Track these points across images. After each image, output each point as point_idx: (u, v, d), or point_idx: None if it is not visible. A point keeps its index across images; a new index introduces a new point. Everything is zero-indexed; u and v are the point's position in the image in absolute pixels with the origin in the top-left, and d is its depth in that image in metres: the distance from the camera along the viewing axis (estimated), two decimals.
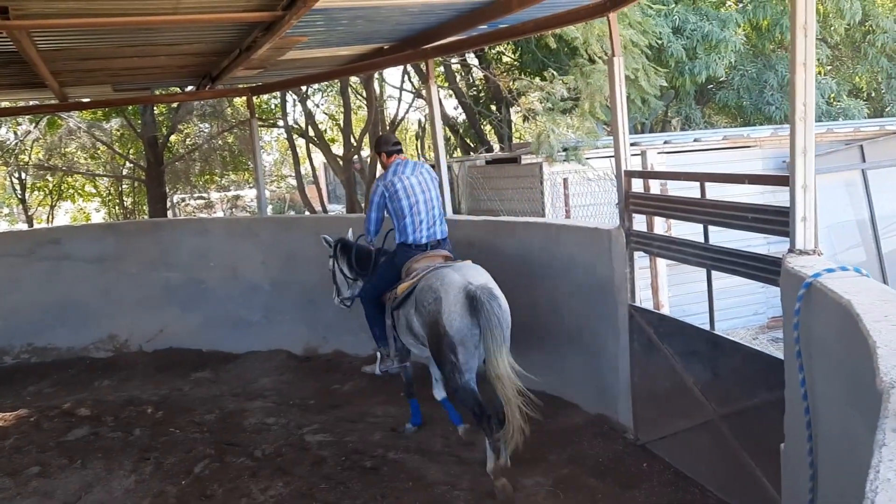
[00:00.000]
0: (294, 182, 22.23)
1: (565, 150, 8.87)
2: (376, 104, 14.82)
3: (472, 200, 10.00)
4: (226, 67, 6.65)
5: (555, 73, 9.28)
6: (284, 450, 5.08)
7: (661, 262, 5.47)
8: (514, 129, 15.58)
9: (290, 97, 15.87)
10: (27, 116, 13.91)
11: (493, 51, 14.36)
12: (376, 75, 14.65)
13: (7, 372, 7.76)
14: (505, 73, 14.34)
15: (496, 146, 14.49)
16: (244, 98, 9.28)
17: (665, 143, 10.02)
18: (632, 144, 4.94)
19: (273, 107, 16.59)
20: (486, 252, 6.10)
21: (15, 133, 15.75)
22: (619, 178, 4.83)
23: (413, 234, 4.93)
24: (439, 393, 5.15)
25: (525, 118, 12.76)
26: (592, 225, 5.65)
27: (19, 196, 17.66)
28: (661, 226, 5.42)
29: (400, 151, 5.13)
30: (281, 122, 16.77)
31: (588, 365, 5.26)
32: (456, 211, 7.40)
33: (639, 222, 4.94)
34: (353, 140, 15.77)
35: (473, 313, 4.25)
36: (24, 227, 17.00)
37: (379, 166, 5.79)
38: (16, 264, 7.97)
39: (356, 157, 15.62)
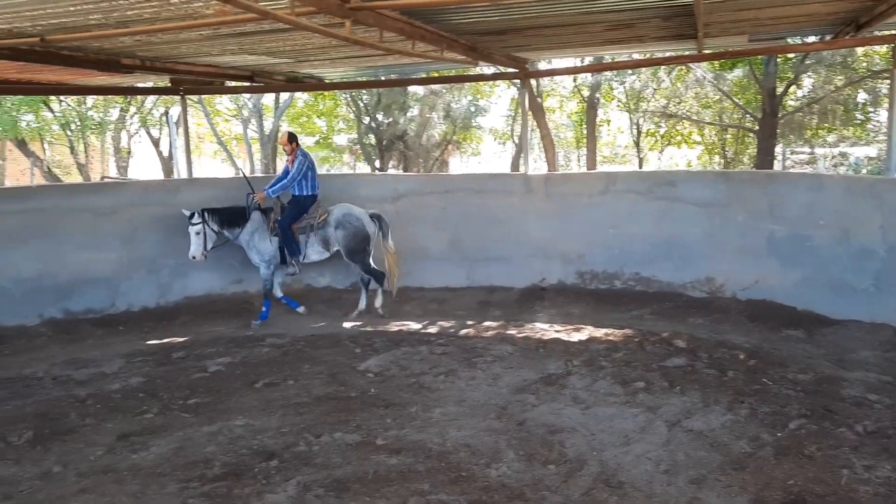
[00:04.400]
0: None
1: None
2: None
3: None
4: (881, 13, 6.07)
5: None
6: (891, 432, 4.66)
7: None
8: None
9: None
10: (661, 67, 15.14)
11: None
12: None
13: (615, 294, 8.86)
14: None
15: None
16: (879, 47, 8.37)
17: None
18: None
19: None
20: None
21: (639, 80, 17.42)
22: None
23: (316, 188, 8.41)
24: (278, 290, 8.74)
25: None
26: None
27: (634, 139, 19.67)
28: None
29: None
30: None
31: None
32: None
33: None
34: None
35: (374, 223, 8.41)
36: (635, 168, 18.91)
37: None
38: (636, 200, 8.91)
39: None
